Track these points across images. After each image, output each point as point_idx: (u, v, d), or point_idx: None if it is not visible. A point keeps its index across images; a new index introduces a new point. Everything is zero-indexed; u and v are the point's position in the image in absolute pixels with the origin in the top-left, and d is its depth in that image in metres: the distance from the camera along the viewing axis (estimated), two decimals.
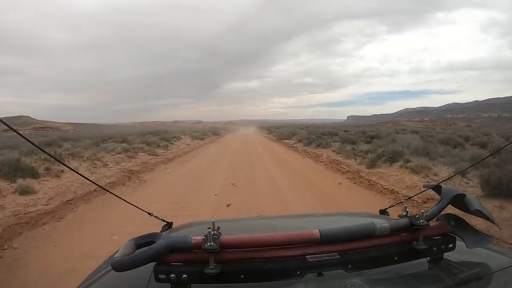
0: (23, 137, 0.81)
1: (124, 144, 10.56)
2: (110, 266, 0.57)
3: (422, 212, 0.65)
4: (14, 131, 0.77)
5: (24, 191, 4.63)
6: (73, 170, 0.91)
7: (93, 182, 1.14)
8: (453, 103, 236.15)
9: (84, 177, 1.01)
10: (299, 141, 15.75)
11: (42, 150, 0.89)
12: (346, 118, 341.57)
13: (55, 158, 0.90)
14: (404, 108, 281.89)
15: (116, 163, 8.17)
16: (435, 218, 0.68)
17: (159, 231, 0.98)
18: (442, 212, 0.69)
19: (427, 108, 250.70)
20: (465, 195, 0.68)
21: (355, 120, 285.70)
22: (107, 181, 6.39)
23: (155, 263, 0.57)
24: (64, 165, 1.03)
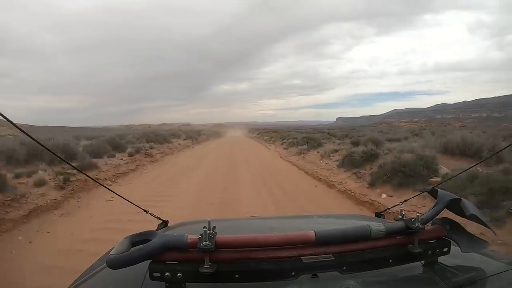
0: (28, 135, 0.81)
1: None
2: (105, 263, 0.57)
3: (418, 216, 0.65)
4: (21, 130, 0.76)
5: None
6: (73, 167, 0.90)
7: (90, 177, 1.14)
8: (442, 103, 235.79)
9: (88, 176, 1.01)
10: None
11: (47, 149, 0.88)
12: (335, 120, 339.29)
13: (58, 156, 0.90)
14: (393, 109, 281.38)
15: None
16: (431, 221, 0.68)
17: (155, 229, 0.97)
18: (438, 216, 0.69)
19: (416, 109, 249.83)
20: (461, 199, 0.69)
21: (344, 121, 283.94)
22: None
23: (150, 261, 0.57)
24: (67, 162, 1.02)
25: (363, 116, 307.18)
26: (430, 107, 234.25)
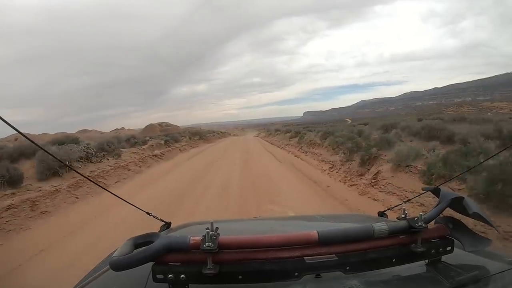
0: (28, 138, 0.81)
1: None
2: (108, 266, 0.57)
3: (421, 215, 0.64)
4: (20, 133, 0.76)
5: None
6: (72, 169, 0.90)
7: (87, 178, 1.14)
8: (411, 91, 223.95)
9: (84, 177, 1.01)
10: None
11: (45, 151, 0.89)
12: (302, 115, 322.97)
13: (54, 157, 0.91)
14: (360, 101, 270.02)
15: None
16: (434, 220, 0.68)
17: (157, 231, 0.97)
18: (441, 215, 0.69)
19: (384, 99, 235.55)
20: (463, 197, 0.68)
21: (313, 116, 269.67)
22: None
23: (153, 263, 0.57)
24: (64, 164, 1.03)
25: (332, 109, 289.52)
26: (400, 95, 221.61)
